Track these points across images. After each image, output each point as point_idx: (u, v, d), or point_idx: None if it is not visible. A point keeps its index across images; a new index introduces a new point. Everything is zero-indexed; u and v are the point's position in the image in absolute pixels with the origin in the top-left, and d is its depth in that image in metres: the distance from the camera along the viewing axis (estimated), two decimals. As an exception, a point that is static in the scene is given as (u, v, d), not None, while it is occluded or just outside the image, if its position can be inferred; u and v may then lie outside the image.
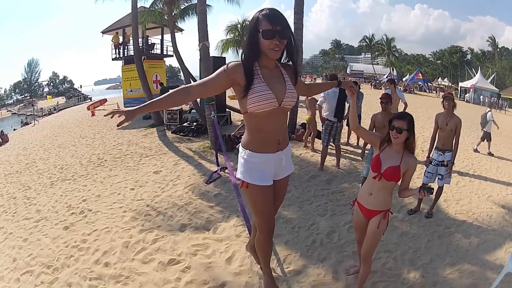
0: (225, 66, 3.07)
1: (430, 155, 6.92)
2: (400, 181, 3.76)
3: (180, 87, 3.07)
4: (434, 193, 6.73)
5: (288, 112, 3.43)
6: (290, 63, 3.29)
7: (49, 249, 6.20)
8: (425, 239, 5.88)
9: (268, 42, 2.90)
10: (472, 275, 4.91)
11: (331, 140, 9.55)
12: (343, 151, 11.24)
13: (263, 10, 2.97)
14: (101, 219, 7.18)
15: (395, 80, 11.94)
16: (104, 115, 3.11)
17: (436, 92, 56.10)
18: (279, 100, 3.08)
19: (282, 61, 3.26)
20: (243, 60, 3.05)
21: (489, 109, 15.28)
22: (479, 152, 13.21)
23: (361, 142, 11.96)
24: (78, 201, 8.42)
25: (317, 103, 9.82)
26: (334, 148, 10.11)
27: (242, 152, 3.35)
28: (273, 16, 2.91)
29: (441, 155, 6.72)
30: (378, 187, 3.74)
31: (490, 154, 13.04)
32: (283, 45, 2.98)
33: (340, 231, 5.99)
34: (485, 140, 13.79)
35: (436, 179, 6.87)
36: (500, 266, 4.87)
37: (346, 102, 9.42)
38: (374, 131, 7.07)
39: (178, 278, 4.85)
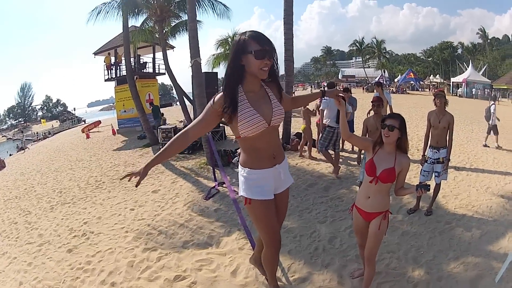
0: (212, 100, 3.17)
1: (425, 154, 6.96)
2: (396, 181, 3.80)
3: (178, 134, 3.22)
4: (432, 190, 6.80)
5: (278, 128, 3.47)
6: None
7: (54, 272, 6.23)
8: (427, 236, 5.91)
9: (259, 62, 2.96)
10: (476, 266, 4.94)
11: (331, 147, 9.60)
12: (343, 157, 11.30)
13: (246, 32, 3.06)
14: (104, 240, 7.20)
15: (382, 83, 12.00)
16: (120, 179, 3.33)
17: (430, 89, 56.30)
18: (268, 120, 3.18)
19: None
20: (226, 87, 3.13)
21: (492, 102, 15.14)
22: (488, 146, 13.15)
23: (356, 147, 12.03)
24: (79, 224, 8.44)
25: (320, 107, 9.79)
26: (333, 155, 10.08)
27: (242, 171, 3.43)
28: (261, 37, 3.01)
29: (436, 152, 6.75)
30: (375, 190, 3.79)
31: (498, 147, 12.99)
32: (271, 64, 3.07)
33: (342, 236, 6.02)
34: (492, 133, 13.64)
35: (433, 176, 6.89)
36: (504, 255, 4.91)
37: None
38: (367, 135, 7.11)
39: (185, 294, 4.87)
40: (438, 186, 6.93)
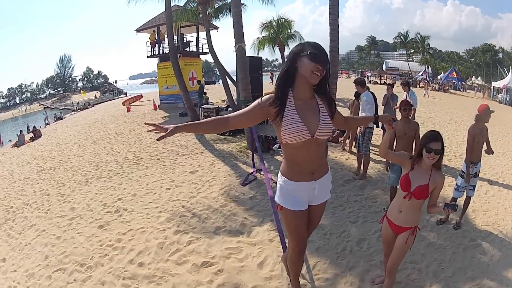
0: (260, 98, 3.21)
1: (468, 172, 6.64)
2: (429, 197, 3.85)
3: (219, 117, 3.21)
4: (463, 203, 6.82)
5: (326, 142, 3.46)
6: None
7: (83, 247, 6.44)
8: (450, 251, 5.88)
9: (313, 65, 2.97)
10: None
11: (357, 147, 9.53)
12: (376, 155, 11.16)
13: (306, 41, 3.16)
14: (137, 218, 7.41)
15: (409, 82, 11.71)
16: (146, 124, 3.14)
17: (475, 91, 55.02)
18: (311, 132, 3.14)
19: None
20: (277, 87, 3.17)
21: None
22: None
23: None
24: (113, 200, 8.66)
25: (368, 113, 9.18)
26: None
27: (279, 178, 3.49)
28: (319, 46, 3.08)
29: (475, 167, 6.64)
30: (408, 205, 3.86)
31: None
32: (323, 73, 3.05)
33: (370, 239, 6.08)
34: None
35: (466, 190, 6.80)
36: None
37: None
38: (395, 140, 6.99)
39: (211, 281, 5.04)
40: (469, 199, 6.86)
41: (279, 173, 3.51)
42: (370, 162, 9.79)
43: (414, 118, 10.62)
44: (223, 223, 6.87)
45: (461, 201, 6.92)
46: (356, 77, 69.90)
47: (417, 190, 3.75)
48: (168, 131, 2.90)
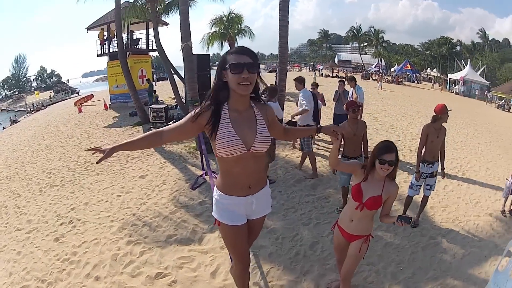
0: (193, 111, 3.07)
1: (419, 169, 6.61)
2: (382, 206, 3.76)
3: (153, 131, 3.11)
4: (420, 202, 6.83)
5: (264, 156, 3.33)
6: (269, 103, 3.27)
7: (42, 262, 6.28)
8: (409, 250, 5.87)
9: (236, 77, 2.84)
10: None
11: (301, 147, 9.58)
12: (325, 151, 11.35)
13: (230, 49, 3.00)
14: (90, 229, 7.23)
15: (355, 78, 11.72)
16: (85, 149, 3.13)
17: (432, 82, 56.37)
18: (247, 145, 3.03)
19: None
20: (210, 102, 3.05)
21: None
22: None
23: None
24: (67, 210, 8.45)
25: (304, 107, 9.11)
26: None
27: (215, 192, 3.37)
28: (240, 50, 2.92)
29: (431, 167, 6.55)
30: (360, 215, 3.76)
31: None
32: (253, 79, 2.93)
33: (323, 242, 6.02)
34: None
35: (423, 189, 6.77)
36: (484, 281, 4.92)
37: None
38: (342, 142, 6.69)
39: (165, 293, 4.91)
40: (426, 198, 6.80)
41: (215, 187, 3.39)
42: (322, 159, 9.91)
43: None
44: (174, 231, 6.75)
45: (418, 198, 6.95)
46: (310, 70, 70.85)
47: (370, 201, 3.65)
48: (106, 153, 2.88)
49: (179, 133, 3.13)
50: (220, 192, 3.29)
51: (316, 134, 3.58)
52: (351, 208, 3.83)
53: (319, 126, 3.62)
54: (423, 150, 6.51)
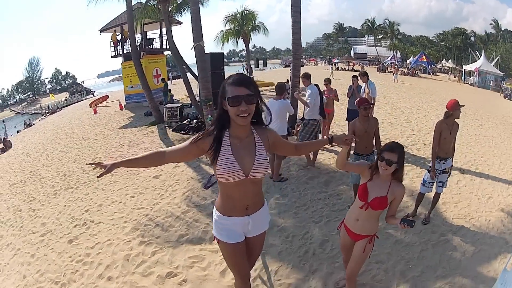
0: (196, 137, 3.13)
1: (434, 167, 6.50)
2: (388, 207, 3.77)
3: (156, 151, 3.17)
4: (432, 199, 6.74)
5: (262, 180, 3.40)
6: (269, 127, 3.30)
7: (55, 264, 6.39)
8: (419, 248, 5.82)
9: (235, 109, 2.90)
10: None
11: (312, 139, 9.49)
12: (340, 148, 11.14)
13: (230, 77, 3.02)
14: (103, 230, 7.34)
15: (367, 73, 11.65)
16: (87, 164, 3.13)
17: (448, 74, 55.82)
18: (246, 172, 3.10)
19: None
20: (212, 130, 3.11)
21: None
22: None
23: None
24: (81, 212, 8.57)
25: (310, 104, 9.32)
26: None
27: (214, 212, 3.47)
28: (238, 81, 2.93)
29: (444, 163, 6.47)
30: (365, 215, 3.78)
31: None
32: (251, 110, 2.96)
33: (334, 240, 6.00)
34: None
35: (435, 186, 6.66)
36: (493, 279, 4.86)
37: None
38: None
39: (175, 292, 4.98)
40: (438, 195, 6.71)
41: (214, 208, 3.48)
42: (335, 156, 9.82)
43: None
44: (186, 230, 6.81)
45: (430, 195, 6.86)
46: (326, 64, 70.58)
47: (375, 201, 3.68)
48: (106, 168, 2.93)
49: (181, 156, 3.24)
50: (219, 213, 3.38)
51: (329, 145, 3.57)
52: (356, 208, 3.86)
53: (331, 137, 3.56)
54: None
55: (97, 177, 2.95)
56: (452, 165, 6.64)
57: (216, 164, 3.07)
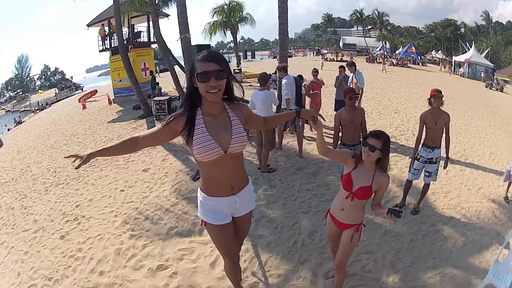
0: (169, 117, 3.09)
1: (416, 154, 6.64)
2: (373, 196, 3.76)
3: (129, 137, 3.08)
4: (421, 189, 6.79)
5: (242, 155, 3.38)
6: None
7: (48, 260, 6.40)
8: (408, 238, 5.85)
9: (204, 85, 2.85)
10: (453, 279, 4.91)
11: (291, 126, 9.89)
12: (328, 138, 11.20)
13: (199, 53, 2.95)
14: (94, 225, 7.35)
15: (355, 63, 11.70)
16: (65, 157, 3.07)
17: (439, 64, 56.05)
18: (224, 148, 3.07)
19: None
20: (183, 108, 3.08)
21: None
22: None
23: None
24: (71, 207, 8.56)
25: (284, 97, 9.35)
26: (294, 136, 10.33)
27: (199, 194, 3.41)
28: (207, 57, 2.88)
29: (430, 152, 6.47)
30: (350, 204, 3.77)
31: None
32: (221, 86, 2.92)
33: (322, 230, 5.98)
34: None
35: (423, 176, 6.69)
36: (484, 270, 4.90)
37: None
38: (340, 129, 6.77)
39: (166, 284, 5.06)
40: (427, 186, 6.72)
41: (199, 189, 3.43)
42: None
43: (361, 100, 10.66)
44: (175, 223, 6.82)
45: (419, 185, 6.94)
46: (315, 54, 70.60)
47: (359, 191, 3.66)
48: (83, 159, 2.86)
49: (155, 139, 3.16)
50: (204, 194, 3.34)
51: (297, 117, 3.57)
52: (341, 197, 3.83)
53: (297, 109, 3.59)
54: (423, 136, 6.52)
55: (75, 168, 2.89)
56: (448, 157, 6.62)
57: (192, 144, 3.02)
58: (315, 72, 12.08)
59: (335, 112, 11.70)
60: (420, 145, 6.62)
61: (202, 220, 3.45)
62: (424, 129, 6.47)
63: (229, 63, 3.01)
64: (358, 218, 3.88)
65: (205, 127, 3.03)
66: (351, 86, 10.77)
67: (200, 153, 3.02)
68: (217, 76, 2.83)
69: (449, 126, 6.39)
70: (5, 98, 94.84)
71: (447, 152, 6.53)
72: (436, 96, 6.23)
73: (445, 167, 6.68)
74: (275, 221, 6.46)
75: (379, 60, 55.41)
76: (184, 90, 16.23)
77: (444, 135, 6.44)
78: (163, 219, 7.04)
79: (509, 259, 4.48)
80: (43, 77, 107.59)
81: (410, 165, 6.83)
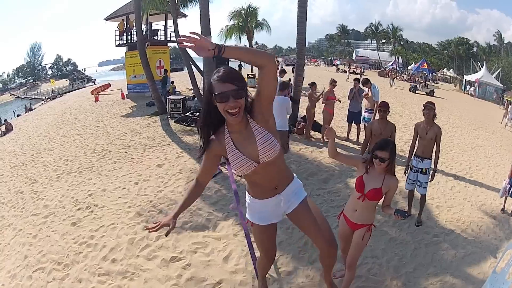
0: (201, 152, 3.22)
1: (409, 164, 7.02)
2: (383, 198, 4.08)
3: (192, 185, 3.34)
4: (419, 202, 7.01)
5: (281, 156, 3.39)
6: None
7: (58, 245, 6.49)
8: (412, 246, 6.06)
9: (223, 105, 2.85)
10: (453, 287, 5.14)
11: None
12: (342, 147, 11.52)
13: (215, 73, 2.92)
14: (107, 214, 7.48)
15: (369, 80, 11.97)
16: (146, 230, 3.10)
17: (449, 82, 56.11)
18: (255, 160, 3.12)
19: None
20: (201, 127, 3.15)
21: None
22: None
23: (361, 138, 12.16)
24: (84, 196, 8.67)
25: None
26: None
27: (247, 196, 3.63)
28: (223, 77, 2.85)
29: (420, 162, 6.83)
30: (362, 205, 4.10)
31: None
32: (241, 104, 2.90)
33: (332, 234, 6.21)
34: None
35: (416, 186, 7.00)
36: (482, 281, 5.06)
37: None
38: (370, 139, 7.19)
39: (179, 275, 5.22)
40: (423, 198, 6.98)
41: (246, 191, 3.63)
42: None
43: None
44: (189, 218, 6.95)
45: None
46: (327, 65, 70.54)
47: (370, 192, 3.99)
48: (172, 224, 2.98)
49: (208, 169, 3.33)
50: (251, 196, 3.58)
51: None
52: (354, 199, 4.17)
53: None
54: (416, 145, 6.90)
55: (165, 235, 3.01)
56: (435, 170, 6.87)
57: (230, 162, 3.18)
58: (334, 82, 12.32)
59: (347, 123, 12.11)
60: (413, 156, 6.96)
61: (248, 220, 3.70)
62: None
63: (244, 78, 3.01)
64: (369, 218, 4.20)
65: (233, 145, 3.12)
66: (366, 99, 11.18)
67: (236, 170, 3.19)
68: (235, 96, 2.83)
69: (440, 139, 6.66)
70: (15, 84, 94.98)
71: (435, 164, 6.78)
72: (428, 107, 6.63)
73: (431, 179, 6.89)
74: (286, 222, 6.41)
75: (390, 74, 55.46)
76: (201, 91, 16.40)
77: (434, 148, 6.71)
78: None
79: (506, 271, 4.68)
80: (55, 66, 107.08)
81: (404, 173, 7.19)
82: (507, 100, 36.29)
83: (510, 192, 7.89)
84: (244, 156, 3.10)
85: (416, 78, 54.86)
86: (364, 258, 5.42)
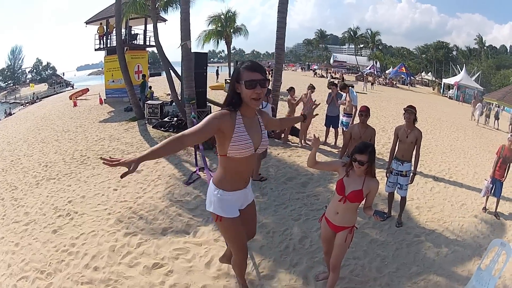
0: (215, 114, 3.25)
1: (390, 166, 7.09)
2: (365, 200, 4.13)
3: (174, 137, 3.00)
4: (399, 203, 7.09)
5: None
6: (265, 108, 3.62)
7: (40, 253, 6.37)
8: (394, 247, 6.14)
9: (251, 91, 3.18)
10: (437, 285, 5.20)
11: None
12: (320, 150, 11.56)
13: (244, 63, 3.31)
14: (87, 222, 7.37)
15: (348, 85, 12.25)
16: (101, 160, 2.79)
17: (428, 85, 56.70)
18: (255, 147, 3.45)
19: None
20: (229, 108, 3.35)
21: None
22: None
23: (339, 142, 12.26)
24: (64, 203, 8.54)
25: None
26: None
27: (215, 191, 3.63)
28: (253, 67, 3.23)
29: (400, 165, 6.91)
30: (344, 207, 4.12)
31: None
32: (264, 93, 3.28)
33: (312, 237, 6.28)
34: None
35: (396, 188, 7.08)
36: (466, 278, 5.19)
37: None
38: (350, 142, 7.24)
39: (162, 282, 5.17)
40: (403, 199, 7.07)
41: (213, 187, 3.66)
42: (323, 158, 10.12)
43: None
44: (170, 223, 6.95)
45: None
46: (305, 69, 70.86)
47: (351, 194, 4.02)
48: (131, 167, 2.74)
49: (202, 137, 3.25)
50: (223, 190, 3.61)
51: (303, 121, 4.13)
52: (335, 201, 4.20)
53: (304, 115, 4.30)
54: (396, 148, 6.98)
55: (121, 177, 2.82)
56: (415, 173, 6.94)
57: (231, 141, 3.29)
58: (313, 88, 12.40)
59: (325, 127, 12.20)
60: (393, 159, 7.05)
61: (217, 216, 3.66)
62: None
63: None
64: (351, 221, 4.23)
65: (244, 128, 3.37)
66: (345, 103, 11.28)
67: (236, 150, 3.34)
68: (262, 85, 3.22)
69: (421, 143, 6.76)
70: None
71: (415, 167, 6.84)
72: (409, 111, 6.69)
73: (411, 182, 6.96)
74: (267, 226, 6.66)
75: (368, 78, 56.03)
76: (179, 96, 16.38)
77: (414, 151, 6.77)
78: (157, 219, 7.15)
79: (491, 267, 4.77)
80: (35, 70, 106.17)
81: (386, 176, 7.23)
82: (474, 98, 37.12)
83: (492, 191, 8.03)
84: (250, 140, 3.38)
85: (394, 82, 55.64)
86: (346, 260, 5.44)
